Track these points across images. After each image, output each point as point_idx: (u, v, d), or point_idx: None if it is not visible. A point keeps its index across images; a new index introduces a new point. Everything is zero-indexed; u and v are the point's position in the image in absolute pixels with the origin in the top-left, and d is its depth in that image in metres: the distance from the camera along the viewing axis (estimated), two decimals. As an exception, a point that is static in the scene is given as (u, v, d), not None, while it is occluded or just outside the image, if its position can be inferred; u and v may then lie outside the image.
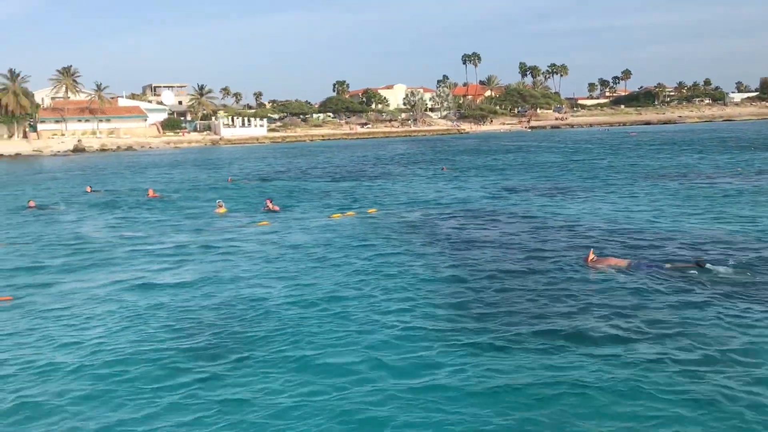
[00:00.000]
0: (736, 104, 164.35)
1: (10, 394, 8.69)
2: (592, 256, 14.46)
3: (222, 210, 25.52)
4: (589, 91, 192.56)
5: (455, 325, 10.72)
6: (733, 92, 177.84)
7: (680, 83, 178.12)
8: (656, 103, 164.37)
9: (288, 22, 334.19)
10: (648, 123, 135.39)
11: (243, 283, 13.92)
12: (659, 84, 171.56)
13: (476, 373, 8.74)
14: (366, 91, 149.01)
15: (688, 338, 9.73)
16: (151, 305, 12.50)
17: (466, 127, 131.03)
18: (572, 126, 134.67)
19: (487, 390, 8.24)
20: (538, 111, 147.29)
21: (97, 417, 7.96)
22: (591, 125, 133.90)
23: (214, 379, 8.88)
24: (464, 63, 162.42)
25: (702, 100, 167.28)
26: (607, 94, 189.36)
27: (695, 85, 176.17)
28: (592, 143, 70.62)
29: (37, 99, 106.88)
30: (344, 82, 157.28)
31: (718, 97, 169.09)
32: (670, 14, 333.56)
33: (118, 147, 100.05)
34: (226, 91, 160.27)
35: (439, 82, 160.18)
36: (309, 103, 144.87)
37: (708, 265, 13.43)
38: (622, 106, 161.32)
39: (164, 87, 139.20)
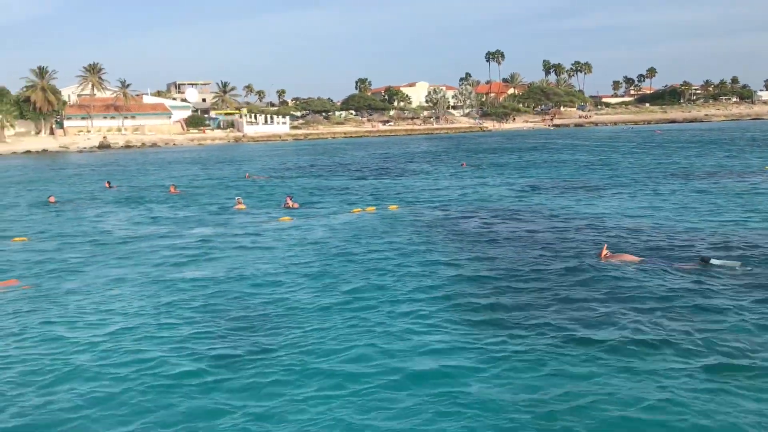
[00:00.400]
0: (765, 102, 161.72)
1: (29, 388, 8.71)
2: (605, 251, 14.47)
3: (241, 206, 25.55)
4: (614, 89, 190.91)
5: (476, 325, 10.58)
6: (761, 90, 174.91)
7: (707, 81, 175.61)
8: (682, 101, 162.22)
9: (311, 19, 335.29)
10: (673, 121, 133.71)
11: (263, 280, 13.85)
12: (685, 82, 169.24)
13: (497, 377, 8.56)
14: (388, 89, 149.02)
15: (703, 336, 9.49)
16: (171, 301, 12.48)
17: (489, 125, 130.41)
18: (596, 124, 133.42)
19: (508, 394, 8.06)
20: (562, 109, 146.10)
21: (112, 417, 7.91)
22: (615, 123, 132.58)
23: (234, 378, 8.79)
24: (487, 61, 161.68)
25: (729, 99, 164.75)
26: (632, 92, 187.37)
27: (722, 83, 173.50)
28: (619, 141, 69.83)
29: (64, 96, 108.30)
30: (366, 79, 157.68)
31: (746, 95, 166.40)
32: (694, 10, 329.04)
33: (143, 144, 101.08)
34: (249, 88, 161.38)
35: (461, 79, 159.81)
36: (331, 100, 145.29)
37: (712, 261, 13.38)
38: (647, 105, 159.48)
39: (188, 84, 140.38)
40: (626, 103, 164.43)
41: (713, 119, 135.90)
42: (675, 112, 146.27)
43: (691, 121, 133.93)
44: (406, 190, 30.80)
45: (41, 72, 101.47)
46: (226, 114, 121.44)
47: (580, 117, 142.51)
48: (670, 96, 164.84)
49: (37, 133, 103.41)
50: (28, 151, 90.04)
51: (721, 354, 8.96)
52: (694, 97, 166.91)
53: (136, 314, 11.67)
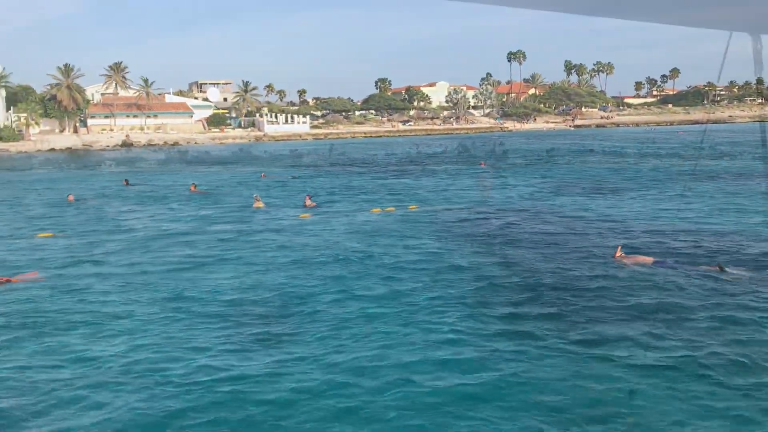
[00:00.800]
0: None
1: (48, 389, 8.82)
2: (619, 252, 14.60)
3: (259, 204, 25.68)
4: (636, 89, 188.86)
5: (492, 332, 10.59)
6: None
7: (731, 82, 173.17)
8: (705, 102, 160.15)
9: (331, 18, 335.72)
10: (696, 123, 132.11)
11: (282, 281, 13.90)
12: (709, 83, 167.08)
13: (512, 386, 8.55)
14: (408, 89, 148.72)
15: (712, 338, 9.40)
16: (188, 306, 12.55)
17: (510, 125, 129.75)
18: (618, 125, 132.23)
19: (524, 406, 8.04)
20: (583, 110, 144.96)
21: (132, 411, 8.00)
22: (637, 124, 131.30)
23: (251, 376, 8.85)
24: (509, 60, 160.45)
25: (754, 100, 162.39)
26: (655, 93, 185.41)
27: (747, 84, 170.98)
28: (641, 142, 69.13)
29: (87, 94, 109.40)
30: (386, 79, 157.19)
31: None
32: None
33: (165, 142, 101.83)
34: (270, 88, 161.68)
35: (482, 79, 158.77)
36: (351, 100, 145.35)
37: (727, 269, 13.29)
38: (670, 105, 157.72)
39: (210, 84, 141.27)
40: (648, 104, 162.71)
41: (737, 120, 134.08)
42: (698, 114, 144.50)
43: (715, 122, 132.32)
44: (425, 190, 30.76)
45: (66, 70, 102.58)
46: (280, 111, 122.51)
47: (601, 118, 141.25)
48: (694, 97, 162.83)
49: (61, 131, 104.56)
50: (53, 149, 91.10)
51: (735, 363, 8.86)
52: (718, 99, 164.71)
53: (154, 315, 11.77)
